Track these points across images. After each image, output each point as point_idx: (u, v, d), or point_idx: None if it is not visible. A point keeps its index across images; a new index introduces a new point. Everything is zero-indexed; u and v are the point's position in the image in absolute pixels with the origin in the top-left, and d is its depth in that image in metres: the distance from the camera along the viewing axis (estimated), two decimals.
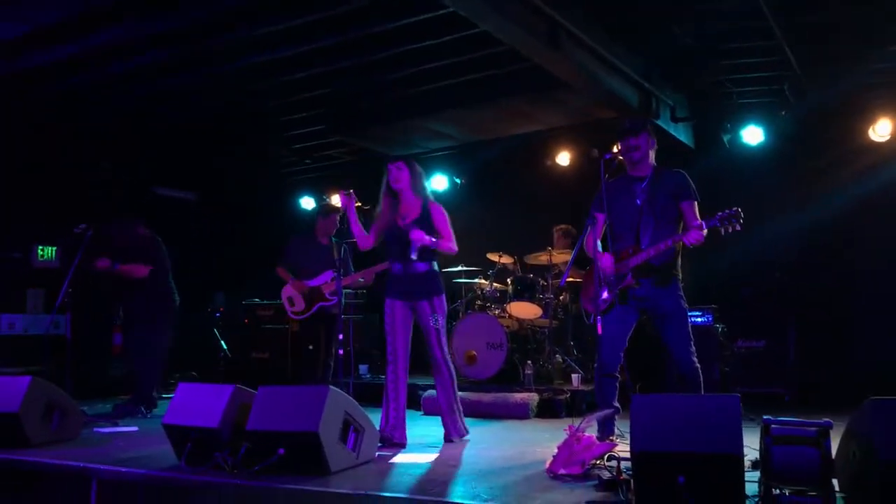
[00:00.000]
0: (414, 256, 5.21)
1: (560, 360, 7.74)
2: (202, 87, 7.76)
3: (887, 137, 7.53)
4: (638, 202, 4.84)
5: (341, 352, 5.39)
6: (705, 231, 4.54)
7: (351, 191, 5.44)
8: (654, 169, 4.93)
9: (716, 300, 7.52)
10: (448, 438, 5.43)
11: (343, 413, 4.41)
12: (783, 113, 7.57)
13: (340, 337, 5.34)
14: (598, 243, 4.92)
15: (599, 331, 4.62)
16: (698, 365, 4.77)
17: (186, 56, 6.97)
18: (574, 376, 7.42)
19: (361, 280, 6.94)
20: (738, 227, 4.45)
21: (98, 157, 9.01)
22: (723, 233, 4.49)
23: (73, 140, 8.74)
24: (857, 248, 7.81)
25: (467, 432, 5.55)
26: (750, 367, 7.51)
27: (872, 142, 7.61)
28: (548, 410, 6.89)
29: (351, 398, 4.55)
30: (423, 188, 5.40)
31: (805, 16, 5.99)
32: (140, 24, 6.18)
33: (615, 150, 4.97)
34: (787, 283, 7.87)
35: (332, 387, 4.40)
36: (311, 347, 7.21)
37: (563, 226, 8.47)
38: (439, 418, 5.83)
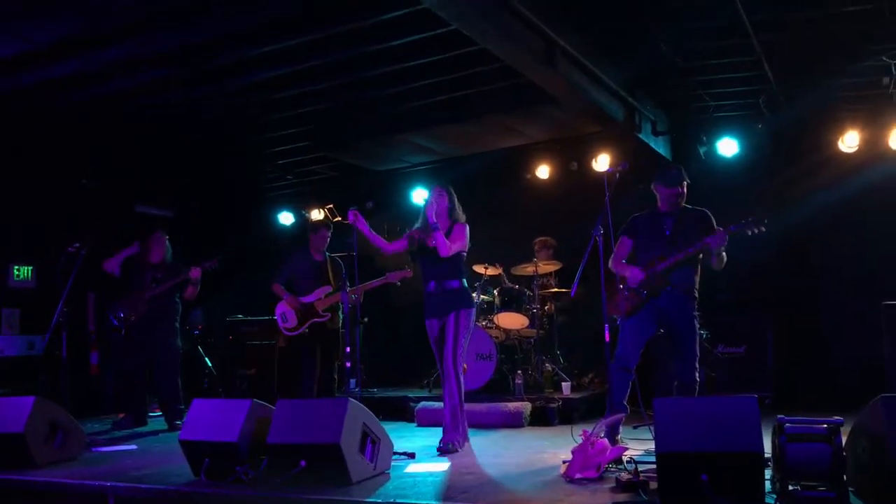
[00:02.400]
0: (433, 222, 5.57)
1: (549, 368, 7.89)
2: (188, 106, 7.76)
3: (855, 148, 7.83)
4: (668, 233, 5.22)
5: (349, 364, 5.46)
6: (727, 237, 4.95)
7: (367, 207, 5.57)
8: (681, 207, 5.31)
9: (698, 307, 7.72)
10: (450, 448, 5.46)
11: (361, 424, 4.50)
12: (759, 126, 7.85)
13: (348, 350, 5.42)
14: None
15: (607, 338, 4.79)
16: (699, 379, 5.09)
17: (175, 77, 6.98)
18: (564, 384, 7.57)
19: (353, 297, 7.00)
20: (763, 228, 4.86)
21: (79, 175, 8.93)
22: (748, 234, 4.90)
23: (52, 158, 8.66)
24: (829, 255, 8.10)
25: (463, 445, 5.61)
26: (731, 372, 7.74)
27: (842, 152, 7.89)
28: (540, 418, 7.03)
29: (368, 410, 4.63)
30: (455, 212, 5.82)
31: (785, 33, 6.26)
32: (131, 47, 6.19)
33: (617, 164, 5.24)
34: (764, 290, 8.14)
35: (350, 399, 4.48)
36: (301, 364, 7.28)
37: (542, 238, 8.64)
38: (435, 429, 5.96)
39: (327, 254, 7.43)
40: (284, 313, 7.27)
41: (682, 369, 5.07)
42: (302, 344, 7.23)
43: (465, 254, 5.82)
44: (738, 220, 4.93)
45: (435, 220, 5.59)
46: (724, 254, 5.03)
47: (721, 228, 4.99)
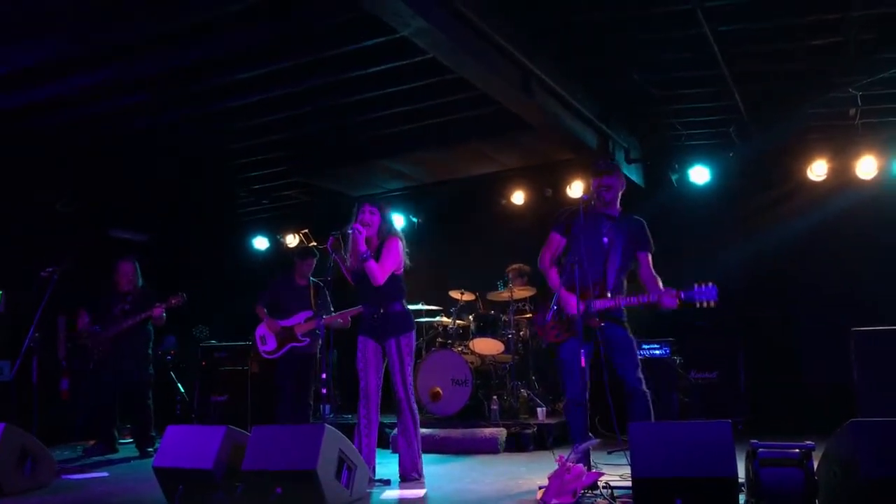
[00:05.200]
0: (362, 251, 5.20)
1: (524, 394, 7.90)
2: (163, 130, 7.74)
3: (823, 177, 7.99)
4: (605, 241, 5.09)
5: (325, 391, 5.44)
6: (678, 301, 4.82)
7: (341, 232, 5.35)
8: (619, 212, 5.21)
9: (672, 333, 7.82)
10: (406, 477, 5.39)
11: (338, 451, 4.49)
12: (730, 154, 8.00)
13: (324, 376, 5.40)
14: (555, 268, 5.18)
15: (583, 363, 4.78)
16: (646, 389, 4.98)
17: (150, 102, 6.97)
18: (539, 410, 7.58)
19: (339, 321, 6.97)
20: (713, 304, 4.75)
21: (53, 200, 8.86)
22: (697, 306, 4.78)
23: (25, 182, 8.59)
24: (799, 281, 8.25)
25: (422, 475, 5.47)
26: (704, 397, 7.81)
27: (810, 181, 8.06)
28: (516, 444, 7.04)
29: (344, 436, 4.62)
30: (389, 230, 5.48)
31: (754, 65, 6.41)
32: (107, 72, 6.19)
33: (588, 189, 5.24)
34: (735, 316, 8.23)
35: (327, 425, 4.47)
36: (276, 390, 7.30)
37: (516, 265, 8.67)
38: None
39: (312, 279, 7.46)
40: (264, 336, 7.31)
41: (629, 381, 4.94)
42: (277, 369, 7.23)
43: (400, 273, 5.48)
44: (692, 287, 4.78)
45: (365, 249, 5.20)
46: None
47: (676, 291, 4.81)
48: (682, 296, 4.79)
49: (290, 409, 7.15)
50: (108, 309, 7.28)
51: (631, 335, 5.09)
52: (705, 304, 4.77)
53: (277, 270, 8.03)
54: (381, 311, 5.38)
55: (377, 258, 5.30)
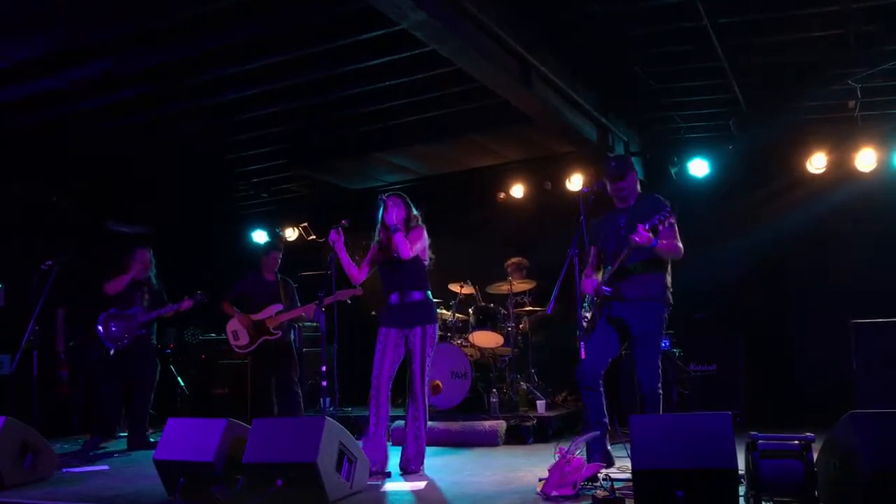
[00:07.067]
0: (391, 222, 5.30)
1: (524, 387, 7.91)
2: (162, 123, 7.75)
3: (822, 170, 8.00)
4: (622, 231, 5.07)
5: (325, 383, 5.43)
6: (647, 232, 4.69)
7: (341, 225, 5.42)
8: (637, 197, 5.19)
9: (671, 325, 7.81)
10: (407, 468, 5.38)
11: (338, 443, 4.49)
12: (730, 147, 7.99)
13: (324, 368, 5.39)
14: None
15: (583, 355, 4.80)
16: (661, 392, 4.95)
17: (149, 95, 6.98)
18: (539, 403, 7.59)
19: (303, 315, 7.20)
20: (672, 219, 4.73)
21: (49, 194, 8.85)
22: (660, 228, 4.70)
23: (23, 175, 8.58)
24: (799, 273, 8.25)
25: (421, 466, 5.46)
26: (703, 390, 7.81)
27: (809, 174, 8.07)
28: (516, 437, 7.05)
29: (344, 428, 4.63)
30: (414, 220, 5.54)
31: (754, 57, 6.41)
32: (106, 64, 6.21)
33: (591, 184, 5.24)
34: (734, 309, 8.25)
35: (327, 417, 4.47)
36: (259, 385, 7.50)
37: (515, 259, 8.69)
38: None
39: (279, 275, 7.53)
40: (236, 331, 7.35)
41: (643, 380, 4.92)
42: (254, 365, 7.45)
43: (425, 262, 5.55)
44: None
45: (396, 221, 5.31)
46: (666, 247, 4.84)
47: (640, 225, 4.73)
48: (647, 225, 4.68)
49: (272, 404, 7.26)
50: (127, 297, 7.24)
51: (660, 331, 5.01)
52: (666, 224, 4.68)
53: (248, 263, 8.06)
54: (408, 299, 5.41)
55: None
